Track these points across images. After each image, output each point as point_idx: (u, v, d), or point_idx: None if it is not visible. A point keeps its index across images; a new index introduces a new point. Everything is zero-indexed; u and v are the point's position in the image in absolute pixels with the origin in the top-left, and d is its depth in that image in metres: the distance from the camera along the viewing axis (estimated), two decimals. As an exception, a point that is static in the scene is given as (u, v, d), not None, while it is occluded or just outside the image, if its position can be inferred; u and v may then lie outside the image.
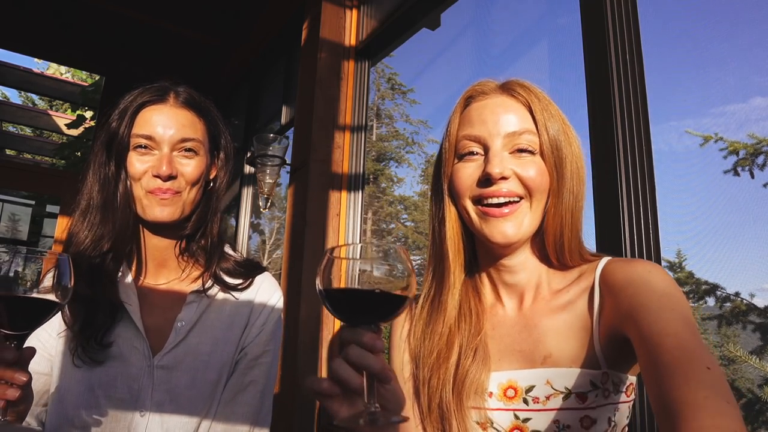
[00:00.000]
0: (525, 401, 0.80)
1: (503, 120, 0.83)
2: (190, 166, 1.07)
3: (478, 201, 0.84)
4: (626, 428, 0.84)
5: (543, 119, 0.83)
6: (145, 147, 1.04)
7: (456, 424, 0.81)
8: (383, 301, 0.63)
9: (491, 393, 0.83)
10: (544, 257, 0.88)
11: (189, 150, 1.07)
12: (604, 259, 0.83)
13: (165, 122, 1.05)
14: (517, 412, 0.81)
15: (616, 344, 0.77)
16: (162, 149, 1.05)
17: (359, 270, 0.63)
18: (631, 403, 0.83)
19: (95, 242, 1.04)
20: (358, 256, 0.64)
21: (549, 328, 0.83)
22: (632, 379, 0.83)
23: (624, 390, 0.81)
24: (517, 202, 0.82)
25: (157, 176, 1.03)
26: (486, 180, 0.82)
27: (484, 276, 0.92)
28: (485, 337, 0.87)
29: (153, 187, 1.03)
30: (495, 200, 0.81)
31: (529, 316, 0.86)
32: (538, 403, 0.80)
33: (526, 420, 0.80)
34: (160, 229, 1.10)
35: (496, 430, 0.82)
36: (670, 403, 0.60)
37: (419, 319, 0.92)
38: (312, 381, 0.64)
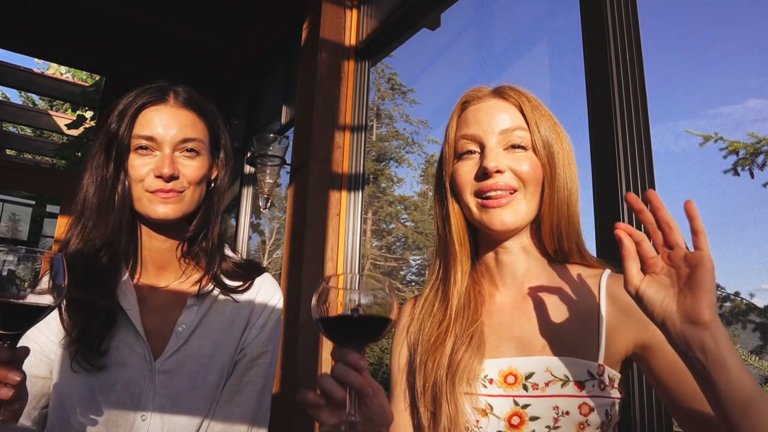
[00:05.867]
0: (525, 387, 0.83)
1: (497, 119, 0.91)
2: (191, 167, 1.06)
3: (478, 195, 0.91)
4: (617, 427, 0.87)
5: (534, 118, 0.91)
6: (146, 148, 1.04)
7: (447, 406, 0.86)
8: (367, 323, 0.72)
9: (492, 380, 0.86)
10: (543, 251, 0.95)
11: (191, 150, 1.07)
12: (608, 271, 0.90)
13: (166, 122, 1.05)
14: (516, 398, 0.83)
15: (622, 352, 0.84)
16: (164, 150, 1.04)
17: (348, 298, 0.72)
18: (620, 401, 0.86)
19: (88, 244, 1.03)
20: (348, 286, 0.74)
21: (549, 317, 0.88)
22: (619, 376, 0.86)
23: (617, 386, 0.85)
24: (512, 193, 0.89)
25: (159, 177, 1.02)
26: (484, 174, 0.89)
27: (484, 266, 0.98)
28: (482, 325, 0.92)
29: (155, 188, 1.03)
30: (493, 193, 0.89)
31: (528, 305, 0.91)
32: (537, 389, 0.82)
33: (525, 406, 0.82)
34: (162, 229, 1.09)
35: (496, 416, 0.84)
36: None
37: (421, 311, 0.98)
38: (301, 392, 0.72)
